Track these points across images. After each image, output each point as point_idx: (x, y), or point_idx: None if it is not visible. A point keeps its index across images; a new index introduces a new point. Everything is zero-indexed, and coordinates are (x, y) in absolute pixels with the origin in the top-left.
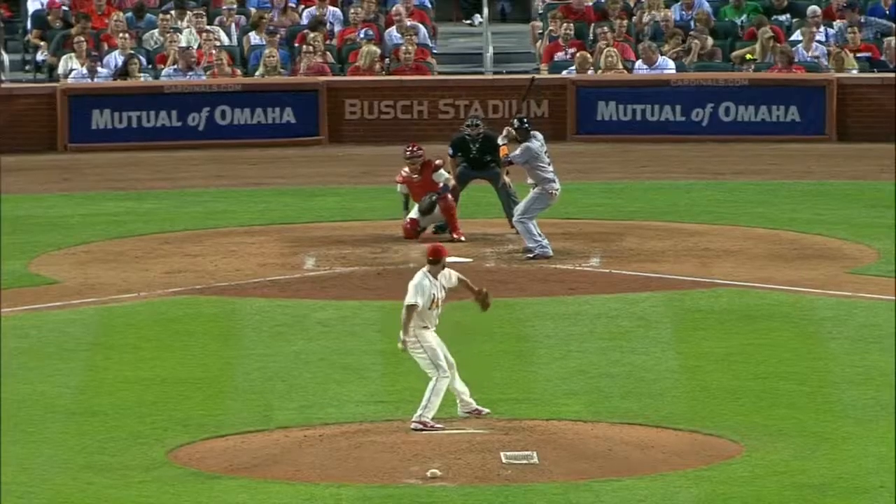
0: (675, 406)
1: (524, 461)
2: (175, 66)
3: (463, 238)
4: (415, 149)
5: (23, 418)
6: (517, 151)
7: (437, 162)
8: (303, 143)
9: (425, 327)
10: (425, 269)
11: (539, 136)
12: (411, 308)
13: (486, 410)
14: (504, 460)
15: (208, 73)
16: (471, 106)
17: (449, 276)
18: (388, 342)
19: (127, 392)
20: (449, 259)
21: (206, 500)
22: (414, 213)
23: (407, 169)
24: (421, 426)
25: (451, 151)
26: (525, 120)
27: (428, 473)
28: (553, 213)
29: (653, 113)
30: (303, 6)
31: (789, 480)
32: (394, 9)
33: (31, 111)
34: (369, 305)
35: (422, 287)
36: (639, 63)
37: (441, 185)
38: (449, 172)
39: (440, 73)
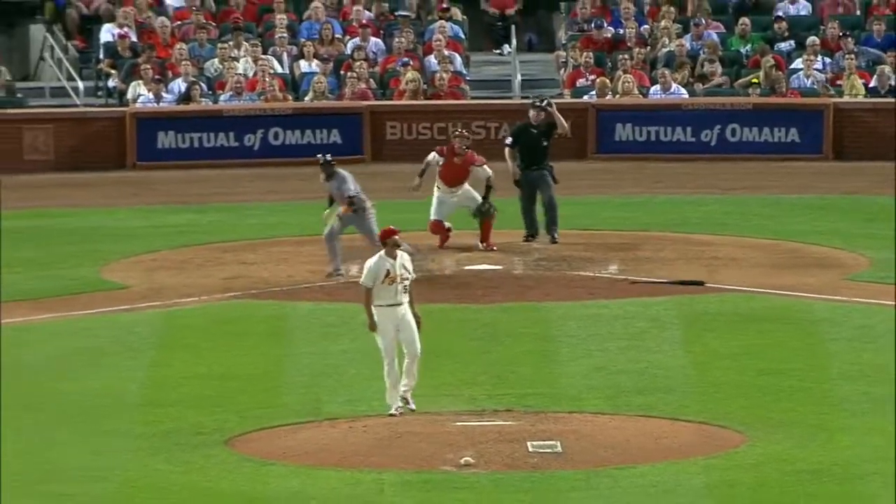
0: (686, 400)
1: (549, 450)
2: (232, 92)
3: (495, 248)
4: (466, 132)
5: (95, 411)
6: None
7: (482, 159)
8: (348, 161)
9: (383, 305)
10: (382, 251)
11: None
12: (365, 290)
13: (412, 406)
14: (531, 449)
15: (262, 97)
16: (500, 127)
17: (408, 260)
18: (424, 342)
19: (189, 387)
20: (481, 267)
21: (260, 485)
22: (435, 215)
23: (456, 144)
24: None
25: (510, 141)
26: (329, 157)
27: (461, 461)
28: (575, 224)
29: (666, 134)
30: (347, 37)
31: (789, 467)
32: (431, 39)
33: (103, 133)
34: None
35: (374, 268)
36: (654, 88)
37: (487, 184)
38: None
39: (473, 98)
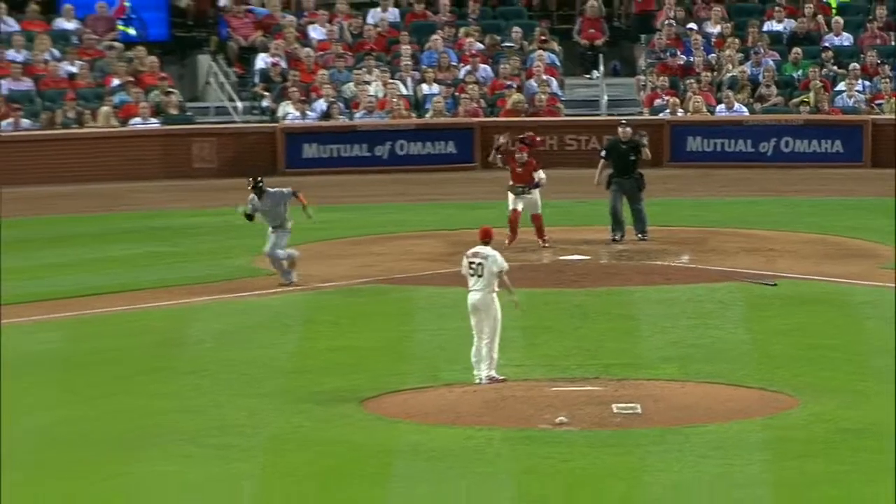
0: (747, 369)
1: (631, 411)
2: (365, 110)
3: (547, 244)
4: (522, 155)
5: (251, 376)
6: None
7: (538, 164)
8: (461, 168)
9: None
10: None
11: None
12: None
13: (499, 378)
14: (615, 410)
15: (390, 115)
16: (589, 140)
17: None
18: (526, 320)
19: (329, 357)
20: (573, 257)
21: (388, 439)
22: (514, 205)
23: (517, 158)
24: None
25: (603, 154)
26: (259, 179)
27: (557, 420)
28: (652, 221)
29: (729, 145)
30: (461, 64)
31: (834, 426)
32: (532, 66)
33: (257, 145)
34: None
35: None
36: (719, 107)
37: (536, 180)
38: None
39: (567, 115)
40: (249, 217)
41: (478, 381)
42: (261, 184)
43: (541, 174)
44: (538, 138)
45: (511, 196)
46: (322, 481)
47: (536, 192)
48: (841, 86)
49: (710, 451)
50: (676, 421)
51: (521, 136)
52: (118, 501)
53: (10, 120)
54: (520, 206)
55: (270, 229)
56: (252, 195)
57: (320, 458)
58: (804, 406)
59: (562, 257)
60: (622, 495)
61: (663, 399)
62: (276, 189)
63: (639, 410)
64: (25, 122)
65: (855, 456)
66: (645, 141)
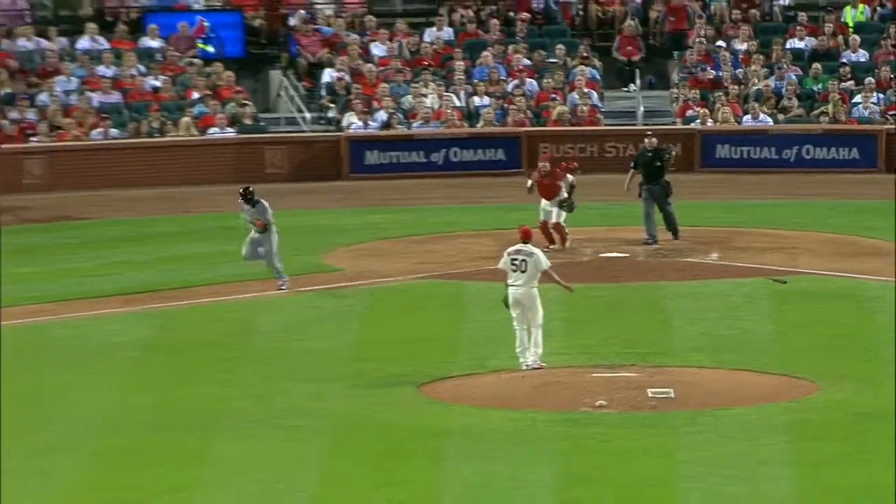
0: (771, 358)
1: (664, 395)
2: (422, 120)
3: (567, 245)
4: (545, 164)
5: (315, 364)
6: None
7: (563, 173)
8: (509, 174)
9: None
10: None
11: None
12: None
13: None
14: (650, 395)
15: (445, 124)
16: (627, 148)
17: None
18: (568, 312)
19: (387, 346)
20: (612, 255)
21: (442, 420)
22: (545, 216)
23: (539, 168)
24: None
25: (632, 164)
26: (250, 189)
27: (597, 403)
28: (684, 222)
29: (755, 152)
30: (510, 78)
31: (850, 410)
32: (574, 80)
33: (323, 152)
34: (555, 288)
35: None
36: (746, 117)
37: (563, 187)
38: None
39: (606, 125)
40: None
41: (524, 367)
42: (251, 194)
43: (569, 177)
44: (575, 164)
45: (542, 202)
46: (380, 460)
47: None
48: (857, 98)
49: (737, 432)
50: (706, 404)
51: (565, 163)
52: (196, 476)
53: (101, 129)
54: (553, 218)
55: (254, 232)
56: (245, 205)
57: (380, 438)
58: (823, 392)
59: (602, 255)
60: (657, 472)
61: (694, 385)
62: (265, 202)
63: (672, 395)
64: (114, 131)
65: (867, 438)
66: (672, 152)
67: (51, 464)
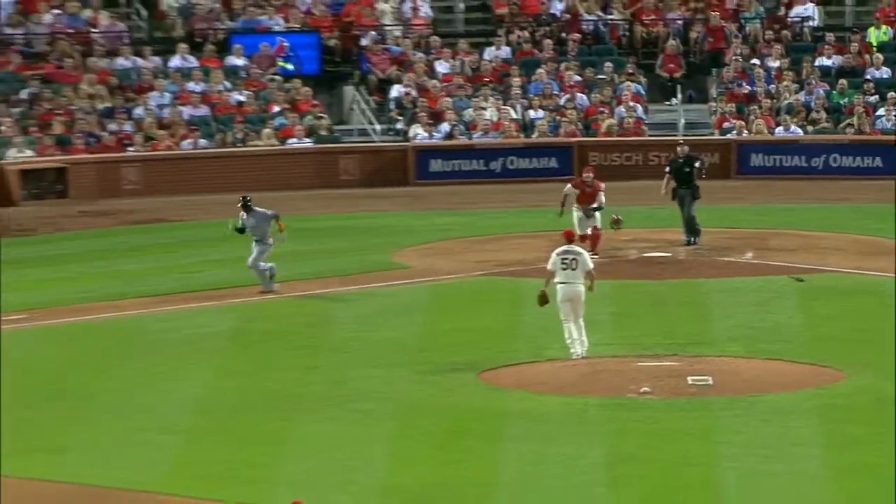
0: (801, 348)
1: (703, 383)
2: (482, 132)
3: (597, 255)
4: (590, 175)
5: (385, 352)
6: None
7: (603, 187)
8: (562, 181)
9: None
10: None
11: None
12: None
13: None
14: (690, 382)
15: (503, 135)
16: (669, 157)
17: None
18: (614, 307)
19: (451, 336)
20: (655, 254)
21: (501, 405)
22: (580, 230)
23: (584, 178)
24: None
25: (667, 169)
26: (247, 198)
27: (641, 390)
28: (719, 223)
29: (787, 161)
30: (562, 93)
31: (874, 395)
32: (621, 95)
33: (392, 161)
34: (604, 284)
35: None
36: (778, 129)
37: (596, 205)
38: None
39: (650, 136)
40: (240, 231)
41: (575, 357)
42: (249, 202)
43: (601, 198)
44: (620, 218)
45: (576, 214)
46: (444, 440)
47: (597, 214)
48: (881, 111)
49: (770, 415)
50: (742, 391)
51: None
52: (278, 453)
53: (190, 140)
54: (585, 229)
55: (254, 242)
56: (242, 213)
57: (443, 421)
58: (849, 379)
59: (645, 254)
60: (697, 452)
61: (731, 372)
62: (262, 209)
63: (710, 382)
64: (202, 141)
65: (890, 420)
66: (703, 161)
67: (151, 440)
